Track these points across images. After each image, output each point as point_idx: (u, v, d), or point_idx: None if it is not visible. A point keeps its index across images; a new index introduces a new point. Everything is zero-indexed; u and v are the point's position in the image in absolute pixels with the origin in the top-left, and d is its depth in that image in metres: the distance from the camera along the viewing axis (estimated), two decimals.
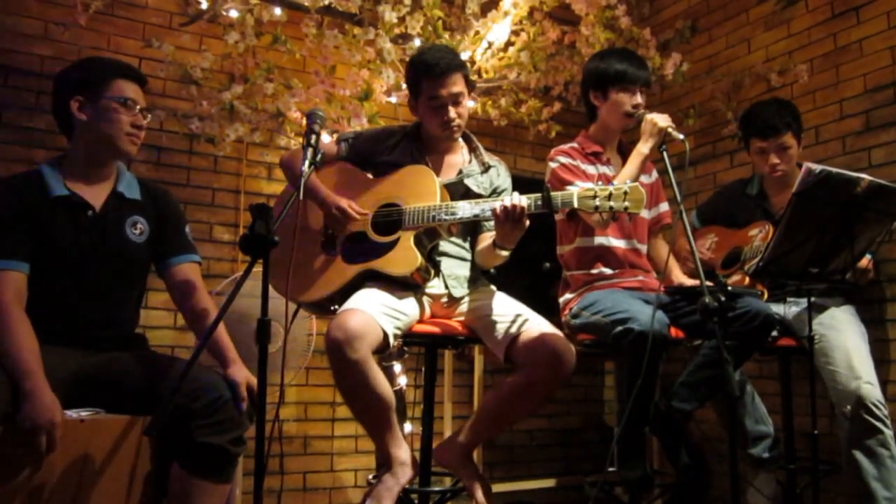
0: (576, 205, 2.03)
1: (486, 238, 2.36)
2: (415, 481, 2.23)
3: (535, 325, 2.21)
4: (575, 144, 2.65)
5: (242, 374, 1.90)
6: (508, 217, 2.06)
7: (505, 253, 2.23)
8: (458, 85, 2.34)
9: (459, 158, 2.48)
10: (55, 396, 1.73)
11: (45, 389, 1.72)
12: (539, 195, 2.07)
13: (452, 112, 2.34)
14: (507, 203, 2.06)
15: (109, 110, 1.98)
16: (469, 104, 3.28)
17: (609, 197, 2.00)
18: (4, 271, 1.86)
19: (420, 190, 2.26)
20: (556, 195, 2.06)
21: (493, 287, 2.46)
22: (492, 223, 2.34)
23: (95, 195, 2.02)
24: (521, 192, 2.11)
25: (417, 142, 2.45)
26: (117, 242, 2.01)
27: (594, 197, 2.01)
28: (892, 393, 2.78)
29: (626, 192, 2.00)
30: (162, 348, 3.00)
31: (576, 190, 2.05)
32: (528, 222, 2.10)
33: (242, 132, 3.00)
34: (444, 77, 2.31)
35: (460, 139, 2.52)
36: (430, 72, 2.31)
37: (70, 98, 1.98)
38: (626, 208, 1.99)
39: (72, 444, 1.73)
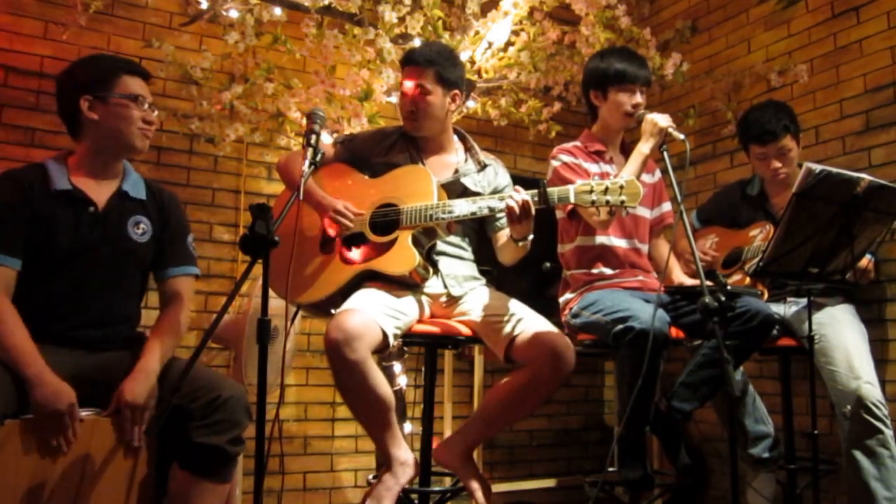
0: (572, 199, 2.05)
1: (503, 235, 2.38)
2: (415, 481, 2.23)
3: (535, 323, 2.22)
4: (578, 143, 2.65)
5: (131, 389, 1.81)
6: (521, 214, 2.09)
7: (525, 243, 2.22)
8: (422, 78, 2.36)
9: (455, 158, 2.49)
10: (60, 378, 1.74)
11: (49, 372, 1.73)
12: (536, 191, 2.09)
13: (409, 104, 2.39)
14: (512, 203, 2.07)
15: (121, 107, 1.97)
16: (469, 104, 3.30)
17: (605, 191, 2.01)
18: None
19: (417, 189, 2.27)
20: (553, 190, 2.08)
21: (492, 286, 2.47)
22: (501, 221, 2.39)
23: (100, 193, 2.00)
24: None
25: (413, 142, 2.46)
26: (118, 240, 1.99)
27: (591, 191, 2.03)
28: (892, 393, 2.78)
29: (622, 186, 2.00)
30: None
31: (572, 186, 2.06)
32: (533, 212, 2.11)
33: (242, 132, 3.00)
34: (406, 67, 2.40)
35: (455, 138, 2.53)
36: (403, 61, 2.43)
37: (79, 98, 1.95)
38: (622, 202, 2.00)
39: (72, 445, 1.72)
